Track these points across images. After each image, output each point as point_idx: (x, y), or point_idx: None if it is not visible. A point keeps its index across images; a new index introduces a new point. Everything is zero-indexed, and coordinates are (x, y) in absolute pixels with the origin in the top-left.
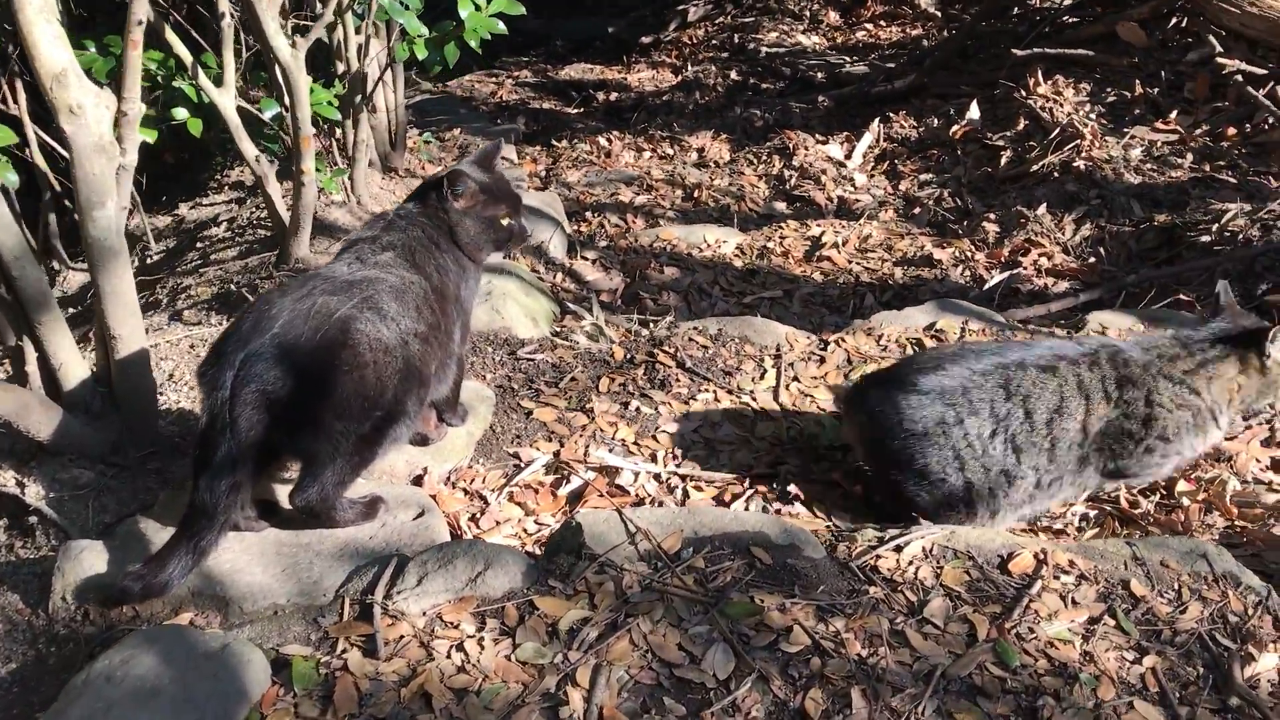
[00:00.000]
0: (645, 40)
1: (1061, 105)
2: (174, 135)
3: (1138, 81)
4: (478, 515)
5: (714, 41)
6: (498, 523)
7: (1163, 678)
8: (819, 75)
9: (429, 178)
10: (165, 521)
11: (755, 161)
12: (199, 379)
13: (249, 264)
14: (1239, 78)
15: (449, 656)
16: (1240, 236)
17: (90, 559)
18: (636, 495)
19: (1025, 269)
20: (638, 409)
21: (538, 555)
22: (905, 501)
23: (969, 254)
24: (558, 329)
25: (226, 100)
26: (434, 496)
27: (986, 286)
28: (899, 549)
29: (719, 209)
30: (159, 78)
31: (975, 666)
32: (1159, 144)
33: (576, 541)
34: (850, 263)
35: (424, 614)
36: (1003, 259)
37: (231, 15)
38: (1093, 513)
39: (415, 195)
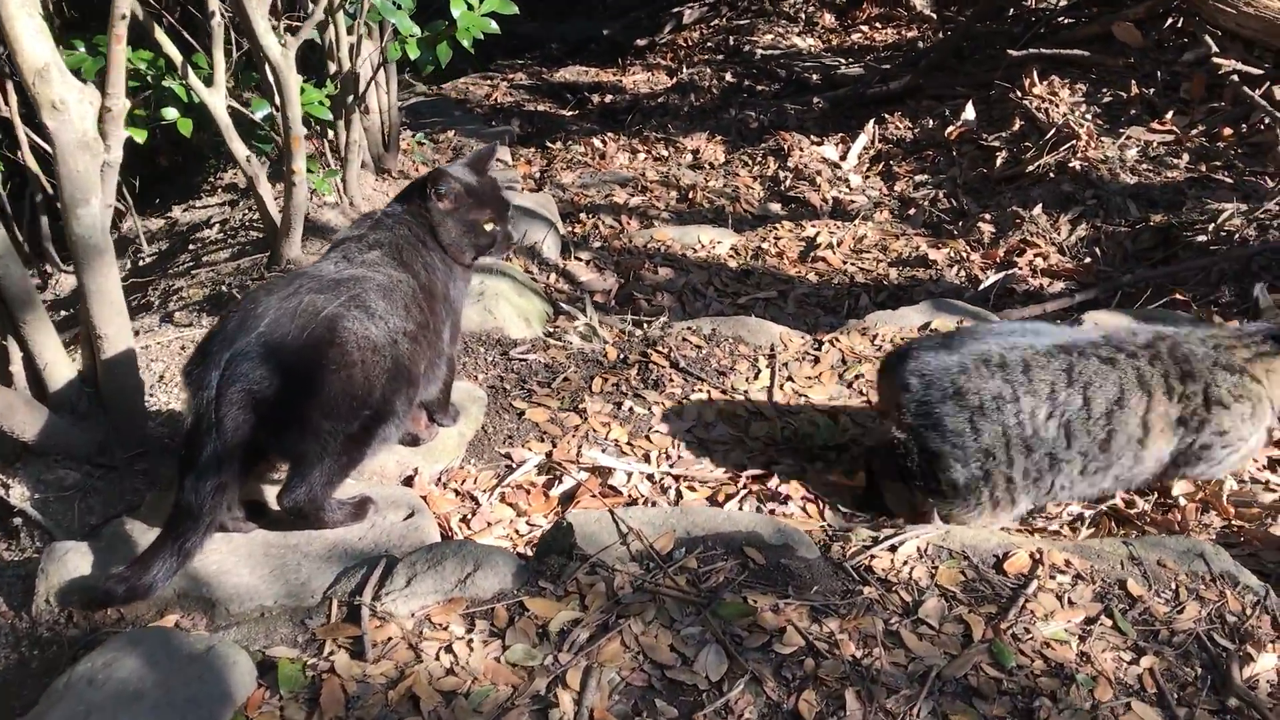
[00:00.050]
0: (640, 43)
1: (1057, 106)
2: (168, 138)
3: (1133, 82)
4: (469, 516)
5: (709, 44)
6: (489, 524)
7: (1160, 678)
8: (814, 77)
9: (417, 178)
10: (152, 523)
11: (750, 163)
12: (184, 379)
13: (241, 265)
14: (1235, 78)
15: (438, 658)
16: (1236, 236)
17: (75, 561)
18: (629, 496)
19: (1021, 269)
20: (631, 409)
21: (528, 556)
22: (934, 477)
23: (964, 254)
24: (551, 329)
25: (217, 100)
26: (425, 497)
27: (982, 287)
28: (893, 549)
29: (714, 210)
30: (149, 77)
31: (971, 667)
32: (1155, 144)
33: (567, 542)
34: (845, 263)
35: (413, 615)
36: (998, 259)
37: (222, 14)
38: (1089, 513)
39: (403, 195)
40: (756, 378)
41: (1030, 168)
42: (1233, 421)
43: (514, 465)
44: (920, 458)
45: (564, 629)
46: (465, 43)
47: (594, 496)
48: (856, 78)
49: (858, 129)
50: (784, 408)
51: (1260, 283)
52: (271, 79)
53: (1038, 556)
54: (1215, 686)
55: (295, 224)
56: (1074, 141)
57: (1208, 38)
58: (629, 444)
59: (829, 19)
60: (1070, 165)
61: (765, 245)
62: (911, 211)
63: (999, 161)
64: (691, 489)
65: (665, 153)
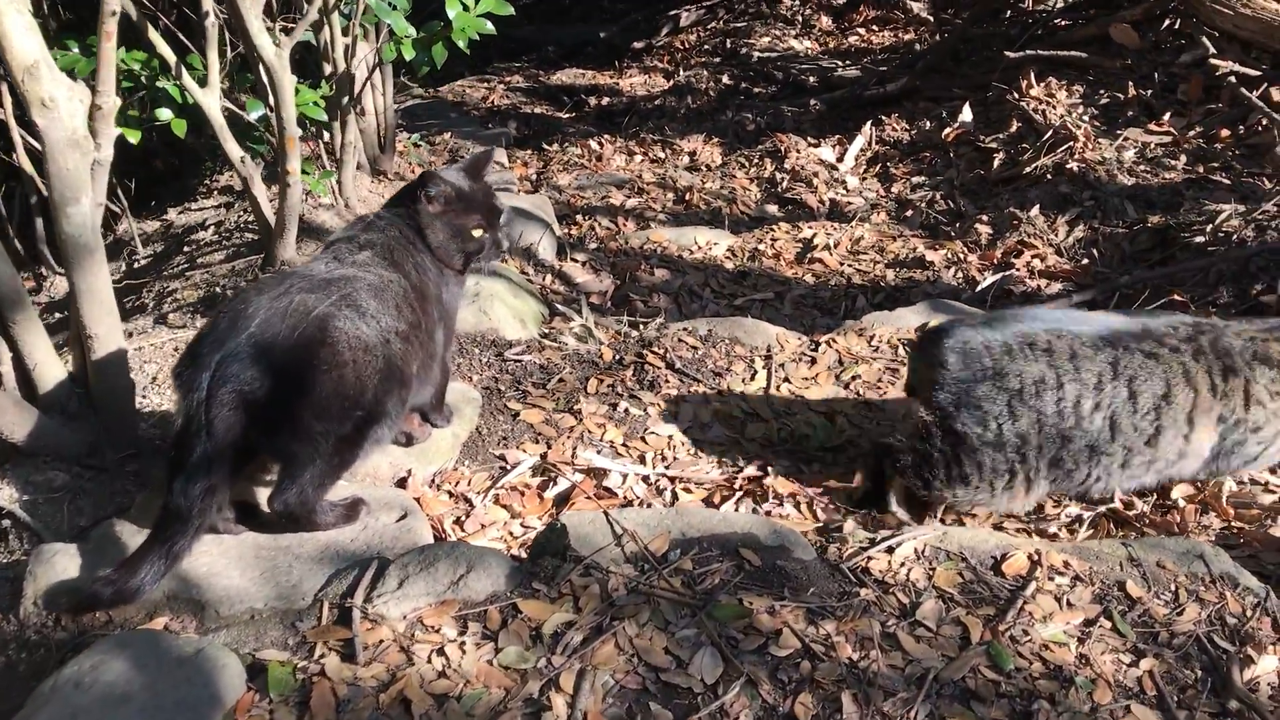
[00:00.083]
0: (637, 45)
1: (1054, 107)
2: (164, 141)
3: (1131, 83)
4: (463, 518)
5: (706, 46)
6: (483, 525)
7: (1160, 681)
8: (811, 79)
9: (411, 180)
10: (142, 525)
11: (747, 164)
12: (175, 380)
13: (235, 267)
14: (1232, 79)
15: (429, 661)
16: (1234, 237)
17: (63, 563)
18: (624, 497)
19: (1018, 270)
20: (626, 410)
21: (522, 558)
22: (958, 462)
23: (961, 256)
24: (546, 330)
25: (211, 100)
26: (418, 499)
27: (979, 288)
28: (891, 550)
29: (710, 212)
30: (143, 78)
31: (969, 670)
32: (1152, 145)
33: (561, 544)
34: (842, 265)
35: (404, 618)
36: (995, 261)
37: (216, 15)
38: (1087, 514)
39: (396, 198)
40: (753, 379)
41: (1027, 169)
42: (1267, 418)
43: (508, 467)
44: (945, 441)
45: (557, 631)
46: (460, 43)
47: (589, 498)
48: (853, 80)
49: (855, 131)
50: (780, 409)
51: None
52: (266, 80)
53: (1036, 558)
54: (1215, 689)
55: (290, 225)
56: (1071, 143)
57: (1205, 39)
58: (624, 445)
59: (826, 22)
60: (1068, 166)
61: (762, 246)
62: (909, 213)
63: (996, 163)
64: (687, 490)
65: (662, 155)
